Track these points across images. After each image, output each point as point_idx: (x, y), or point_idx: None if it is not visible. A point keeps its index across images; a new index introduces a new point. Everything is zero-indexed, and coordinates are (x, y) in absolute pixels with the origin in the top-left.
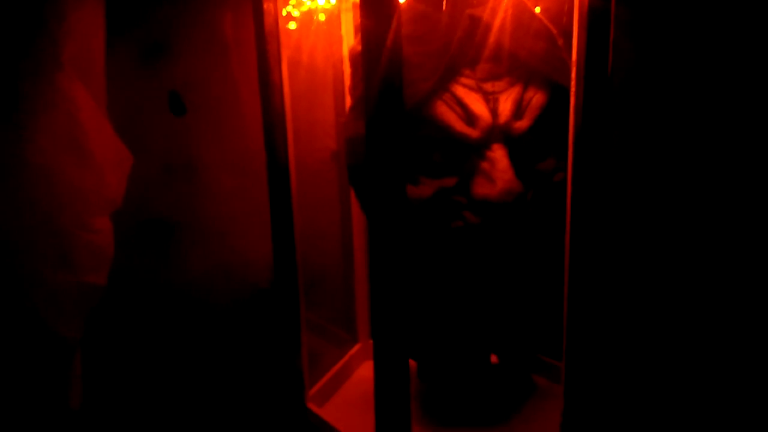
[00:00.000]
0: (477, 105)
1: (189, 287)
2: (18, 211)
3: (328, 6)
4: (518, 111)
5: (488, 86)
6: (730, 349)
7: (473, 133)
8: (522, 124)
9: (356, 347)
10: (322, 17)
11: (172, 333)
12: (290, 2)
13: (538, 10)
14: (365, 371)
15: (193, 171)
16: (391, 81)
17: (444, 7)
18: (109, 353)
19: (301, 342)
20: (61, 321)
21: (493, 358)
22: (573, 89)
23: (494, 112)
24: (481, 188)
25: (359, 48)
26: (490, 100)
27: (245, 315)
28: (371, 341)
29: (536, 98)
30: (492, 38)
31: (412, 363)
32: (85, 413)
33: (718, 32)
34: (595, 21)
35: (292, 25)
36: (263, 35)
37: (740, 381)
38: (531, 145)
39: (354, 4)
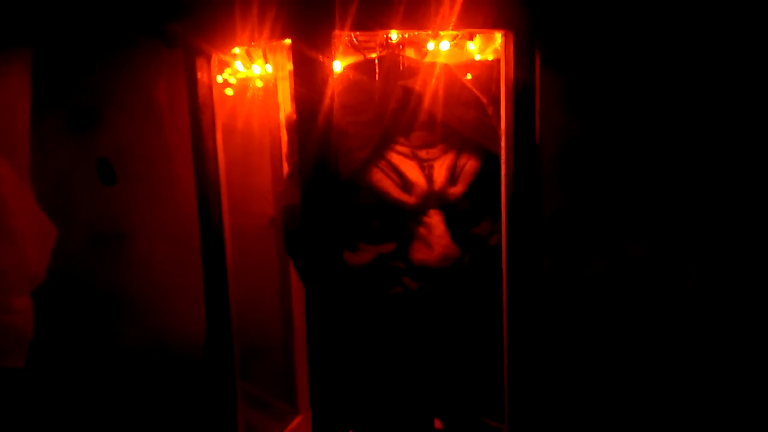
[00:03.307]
0: (412, 172)
1: (120, 360)
2: None
3: (264, 74)
4: (452, 177)
5: (423, 153)
6: (671, 410)
7: (410, 199)
8: (456, 190)
9: (297, 420)
10: (259, 84)
11: (103, 410)
12: (226, 70)
13: (468, 77)
14: None
15: (123, 241)
16: (326, 149)
17: (377, 78)
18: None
19: (236, 417)
20: None
21: (438, 424)
22: (503, 156)
23: (429, 178)
24: (419, 254)
25: (295, 116)
26: (425, 167)
27: (180, 388)
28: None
29: (469, 165)
30: (424, 108)
31: None
32: None
33: (642, 98)
34: (520, 92)
35: (229, 92)
36: (197, 105)
37: None
38: (466, 210)
39: (290, 73)
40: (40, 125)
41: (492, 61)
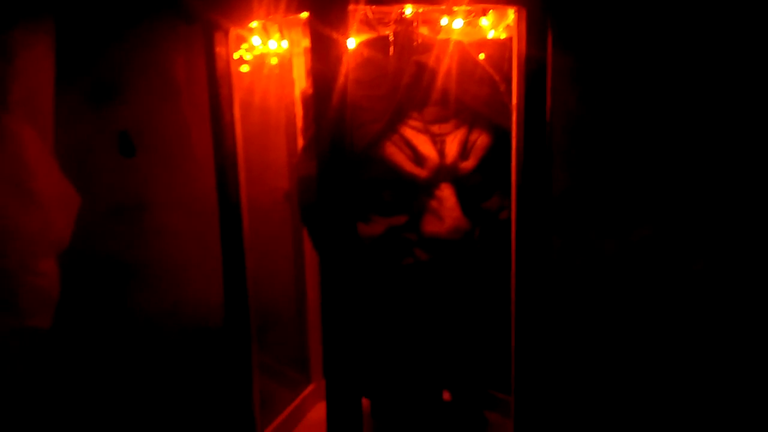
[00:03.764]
0: (425, 146)
1: (138, 329)
2: None
3: (280, 50)
4: (464, 152)
5: (435, 128)
6: (680, 381)
7: (422, 173)
8: (468, 165)
9: (309, 388)
10: (274, 61)
11: (120, 376)
12: (242, 46)
13: (482, 56)
14: (319, 413)
15: (142, 212)
16: (341, 122)
17: (391, 53)
18: (54, 397)
19: (252, 383)
20: (2, 366)
21: (446, 395)
22: (514, 132)
23: (441, 152)
24: (431, 226)
25: (310, 91)
26: (437, 141)
27: (196, 357)
28: (325, 381)
29: (481, 140)
30: (438, 83)
31: (365, 401)
32: None
33: (654, 79)
34: (532, 69)
35: (245, 68)
36: (215, 78)
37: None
38: (477, 185)
39: (305, 49)
40: (61, 98)
41: (504, 39)
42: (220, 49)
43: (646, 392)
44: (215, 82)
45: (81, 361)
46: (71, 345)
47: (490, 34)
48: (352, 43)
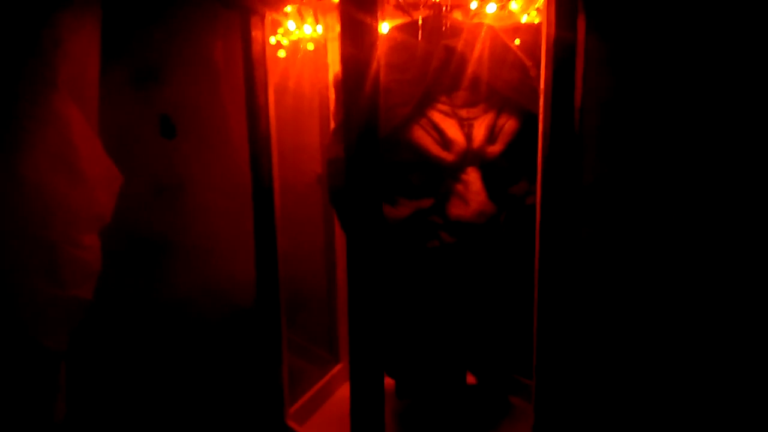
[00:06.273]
0: (452, 130)
1: (173, 305)
2: (8, 225)
3: (315, 35)
4: (491, 136)
5: (463, 112)
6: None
7: (448, 156)
8: (495, 149)
9: (337, 367)
10: (309, 46)
11: (155, 349)
12: (279, 31)
13: (517, 42)
14: (346, 391)
15: (181, 192)
16: (370, 106)
17: (421, 38)
18: (92, 368)
19: (282, 360)
20: (47, 334)
21: (470, 379)
22: (541, 117)
23: (469, 137)
24: (456, 209)
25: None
26: (465, 125)
27: (228, 333)
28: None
29: (509, 124)
30: (467, 68)
31: (390, 381)
32: (68, 427)
33: (685, 65)
34: (560, 52)
35: (281, 53)
36: (251, 61)
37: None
38: (504, 169)
39: (339, 33)
40: (105, 81)
41: (537, 24)
42: (255, 33)
43: (668, 383)
44: (251, 65)
45: (117, 333)
46: (109, 317)
47: (523, 19)
48: (384, 27)
